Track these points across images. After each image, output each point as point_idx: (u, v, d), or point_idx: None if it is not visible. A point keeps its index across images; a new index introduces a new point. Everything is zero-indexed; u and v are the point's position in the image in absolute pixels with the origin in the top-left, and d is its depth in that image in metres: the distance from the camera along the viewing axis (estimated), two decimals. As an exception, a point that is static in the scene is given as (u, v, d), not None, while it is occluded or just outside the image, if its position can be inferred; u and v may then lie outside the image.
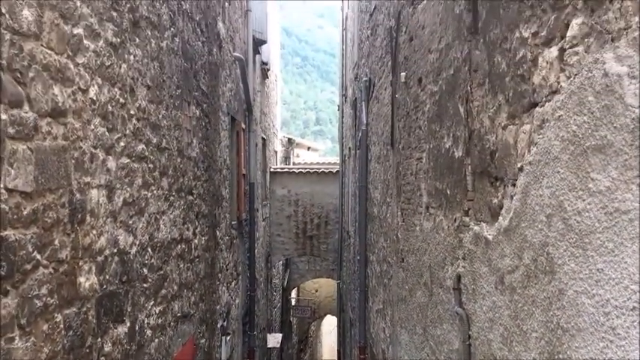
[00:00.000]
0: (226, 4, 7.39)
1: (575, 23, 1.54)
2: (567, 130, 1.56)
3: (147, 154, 3.78)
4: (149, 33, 3.82)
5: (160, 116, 4.09)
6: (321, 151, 31.01)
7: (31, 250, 2.24)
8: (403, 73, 4.43)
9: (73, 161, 2.64)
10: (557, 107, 1.63)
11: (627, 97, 1.29)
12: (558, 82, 1.64)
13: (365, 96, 7.61)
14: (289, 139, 20.61)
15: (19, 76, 2.12)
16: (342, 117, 13.62)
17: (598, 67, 1.41)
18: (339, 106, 15.00)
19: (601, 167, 1.39)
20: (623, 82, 1.30)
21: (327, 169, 15.09)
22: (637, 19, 1.27)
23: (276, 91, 17.46)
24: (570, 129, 1.54)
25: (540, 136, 1.76)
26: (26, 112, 2.19)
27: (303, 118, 66.35)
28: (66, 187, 2.57)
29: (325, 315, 23.41)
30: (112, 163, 3.14)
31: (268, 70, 13.56)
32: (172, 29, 4.47)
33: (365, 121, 7.56)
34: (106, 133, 3.05)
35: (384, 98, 5.85)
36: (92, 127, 2.85)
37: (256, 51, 10.89)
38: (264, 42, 11.20)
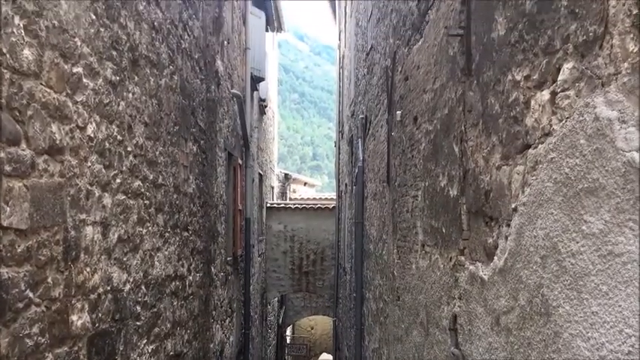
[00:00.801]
0: (225, 42, 7.50)
1: (566, 68, 1.57)
2: (560, 172, 1.58)
3: (143, 190, 3.78)
4: (148, 71, 3.87)
5: (157, 153, 4.11)
6: (317, 186, 31.02)
7: (23, 288, 2.22)
8: (399, 112, 4.47)
9: (69, 198, 2.64)
10: (550, 149, 1.65)
11: (618, 141, 1.30)
12: (550, 125, 1.66)
13: (361, 133, 7.68)
14: (286, 175, 20.65)
15: (17, 114, 2.14)
16: (339, 153, 13.69)
17: (589, 111, 1.43)
18: (335, 142, 15.10)
19: (594, 210, 1.40)
20: (614, 127, 1.32)
21: (323, 204, 15.08)
22: (626, 65, 1.30)
23: (274, 126, 17.59)
24: (563, 171, 1.56)
25: (534, 178, 1.77)
26: (23, 150, 2.20)
27: (300, 154, 66.64)
28: (61, 224, 2.56)
29: (321, 353, 23.06)
30: (107, 200, 3.14)
31: (266, 106, 13.69)
32: (171, 67, 4.53)
33: (361, 158, 7.60)
34: (103, 170, 3.06)
35: (380, 135, 5.90)
36: (89, 164, 2.86)
37: (254, 88, 11.01)
38: (262, 79, 11.33)
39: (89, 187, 2.88)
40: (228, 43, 7.84)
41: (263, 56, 11.38)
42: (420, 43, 3.71)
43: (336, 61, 15.03)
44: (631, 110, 1.27)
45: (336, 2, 13.93)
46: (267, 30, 12.61)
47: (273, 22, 13.74)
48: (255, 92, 11.30)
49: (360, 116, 7.77)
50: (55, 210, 2.50)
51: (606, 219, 1.34)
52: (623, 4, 1.30)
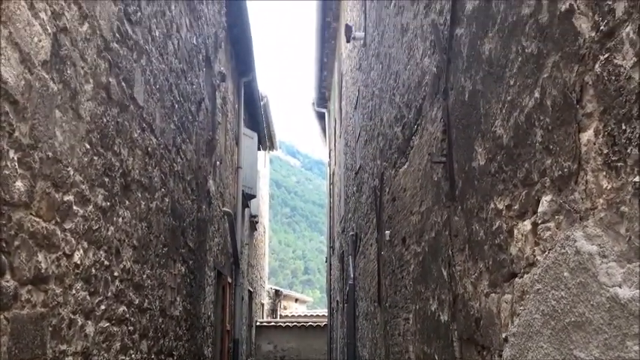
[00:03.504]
0: (218, 163, 7.68)
1: (545, 200, 1.61)
2: (547, 304, 1.57)
3: (128, 316, 3.69)
4: (139, 195, 3.92)
5: (144, 276, 4.06)
6: (309, 302, 30.37)
7: None
8: (387, 232, 4.51)
9: (50, 329, 2.56)
10: (536, 280, 1.65)
11: (600, 276, 1.31)
12: (534, 255, 1.68)
13: (352, 250, 7.67)
14: (276, 291, 20.30)
15: (4, 245, 2.13)
16: (330, 269, 13.56)
17: (570, 244, 1.45)
18: (326, 258, 15.01)
19: (583, 345, 1.37)
20: (595, 261, 1.33)
21: (314, 322, 14.71)
22: (602, 201, 1.33)
23: (265, 242, 17.55)
24: (549, 303, 1.55)
25: (522, 308, 1.76)
26: (7, 281, 2.16)
27: (292, 268, 65.88)
28: (40, 356, 2.46)
29: None
30: (90, 328, 3.05)
31: (257, 222, 13.74)
32: (163, 190, 4.60)
33: (352, 276, 7.53)
34: (87, 297, 3.00)
35: (370, 254, 5.89)
36: (73, 291, 2.81)
37: (245, 205, 11.12)
38: (253, 196, 11.48)
39: (72, 316, 2.80)
40: (221, 163, 8.02)
41: (255, 174, 11.62)
42: (405, 166, 3.82)
43: (327, 177, 15.34)
44: (610, 245, 1.28)
45: (326, 123, 14.48)
46: (259, 149, 12.97)
47: (266, 142, 14.16)
48: (246, 209, 11.39)
49: (351, 233, 7.80)
50: (35, 342, 2.41)
51: (596, 355, 1.32)
52: (594, 144, 1.36)
